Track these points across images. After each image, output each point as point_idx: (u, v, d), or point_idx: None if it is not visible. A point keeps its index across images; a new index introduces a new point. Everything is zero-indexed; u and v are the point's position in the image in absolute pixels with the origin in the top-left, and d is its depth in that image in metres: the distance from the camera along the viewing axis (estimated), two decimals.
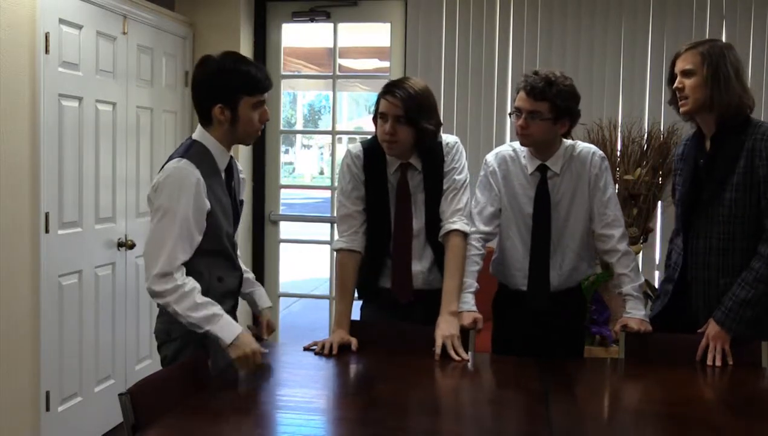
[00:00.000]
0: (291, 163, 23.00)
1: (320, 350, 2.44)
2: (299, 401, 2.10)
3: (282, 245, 4.86)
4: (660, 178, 3.96)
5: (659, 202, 4.06)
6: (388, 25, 4.63)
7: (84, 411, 3.58)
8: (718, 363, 2.36)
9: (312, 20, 4.66)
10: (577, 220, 2.61)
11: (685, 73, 2.44)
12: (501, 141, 4.47)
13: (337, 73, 4.82)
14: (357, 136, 6.07)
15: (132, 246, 3.87)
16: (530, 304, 2.62)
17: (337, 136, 4.95)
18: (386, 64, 4.77)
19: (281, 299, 4.94)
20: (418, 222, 2.60)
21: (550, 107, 2.47)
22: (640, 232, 3.93)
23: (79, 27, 3.45)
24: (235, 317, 2.39)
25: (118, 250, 3.82)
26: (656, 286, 3.61)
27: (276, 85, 3.91)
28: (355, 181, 2.62)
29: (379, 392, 2.15)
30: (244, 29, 4.54)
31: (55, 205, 3.33)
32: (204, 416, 1.97)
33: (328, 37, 4.74)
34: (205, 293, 2.19)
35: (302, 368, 2.38)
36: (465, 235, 2.56)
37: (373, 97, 2.64)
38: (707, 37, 3.99)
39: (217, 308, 2.16)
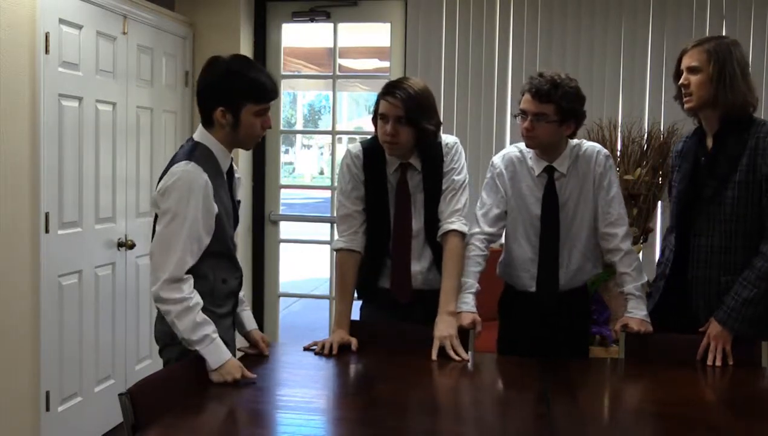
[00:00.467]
0: (291, 163, 23.00)
1: (320, 350, 2.44)
2: (299, 401, 2.09)
3: (282, 245, 4.86)
4: (660, 178, 3.95)
5: (659, 202, 4.06)
6: (388, 25, 4.63)
7: (84, 411, 3.58)
8: (718, 363, 2.36)
9: (312, 20, 4.66)
10: (583, 219, 2.61)
11: (691, 70, 2.44)
12: (501, 141, 4.48)
13: (337, 73, 4.82)
14: (357, 136, 6.06)
15: (132, 246, 3.87)
16: (539, 304, 2.62)
17: (337, 136, 4.95)
18: (386, 64, 4.77)
19: (281, 299, 4.94)
20: (417, 222, 2.60)
21: (556, 109, 2.47)
22: (640, 232, 3.93)
23: (79, 27, 3.45)
24: (234, 318, 2.39)
25: (118, 250, 3.82)
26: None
27: None
28: (354, 181, 2.62)
29: (379, 392, 2.15)
30: (244, 29, 4.54)
31: (55, 205, 3.33)
32: (204, 416, 1.97)
33: (328, 37, 4.73)
34: (210, 295, 2.19)
35: (302, 368, 2.38)
36: (463, 235, 2.56)
37: (373, 97, 2.64)
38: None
39: (212, 330, 2.14)
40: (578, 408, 2.07)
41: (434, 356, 2.38)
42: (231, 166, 2.32)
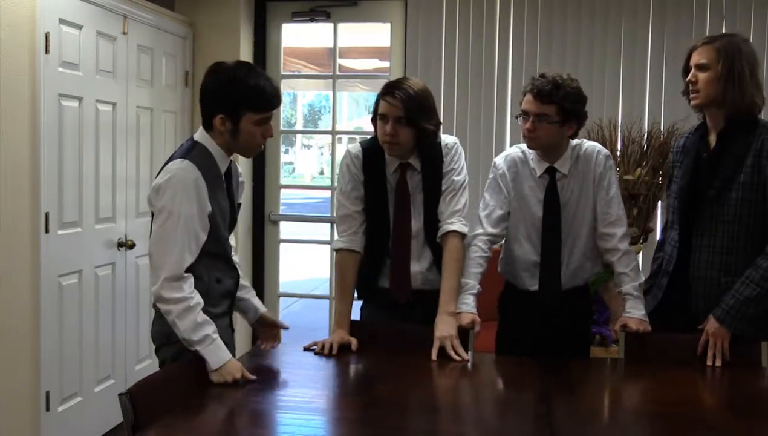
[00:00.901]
0: (291, 163, 22.99)
1: (320, 350, 2.44)
2: (299, 401, 2.10)
3: (282, 245, 4.86)
4: (660, 178, 3.95)
5: (659, 202, 4.05)
6: (388, 25, 4.63)
7: (84, 411, 3.58)
8: (718, 362, 2.36)
9: (312, 20, 4.66)
10: (583, 219, 2.61)
11: (700, 67, 2.44)
12: (501, 141, 4.47)
13: (337, 73, 4.82)
14: (357, 136, 6.06)
15: (132, 246, 3.87)
16: (541, 304, 2.62)
17: (337, 136, 4.95)
18: (386, 64, 4.77)
19: (281, 299, 4.94)
20: (416, 223, 2.60)
21: (558, 110, 2.47)
22: (640, 232, 3.92)
23: (79, 27, 3.45)
24: (231, 318, 2.39)
25: (118, 250, 3.82)
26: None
27: None
28: (354, 182, 2.62)
29: (379, 392, 2.15)
30: (244, 29, 4.54)
31: (55, 205, 3.33)
32: (204, 416, 1.97)
33: (328, 37, 4.73)
34: (204, 294, 2.19)
35: (302, 368, 2.38)
36: (463, 236, 2.56)
37: (372, 97, 2.64)
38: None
39: (213, 330, 2.14)
40: (578, 408, 2.07)
41: (434, 356, 2.38)
42: (229, 169, 2.32)
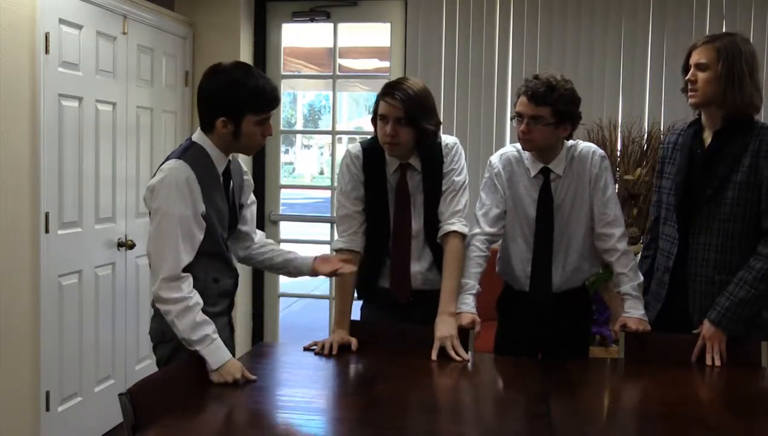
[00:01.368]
0: (291, 163, 22.98)
1: (320, 350, 2.44)
2: (299, 401, 2.10)
3: (282, 245, 4.84)
4: None
5: None
6: (388, 25, 4.63)
7: (84, 411, 3.59)
8: (717, 363, 2.36)
9: (312, 20, 4.66)
10: (579, 220, 2.61)
11: (700, 67, 2.45)
12: (501, 141, 4.47)
13: (337, 73, 4.82)
14: (357, 136, 6.05)
15: (132, 246, 3.87)
16: (533, 303, 2.62)
17: (337, 136, 4.95)
18: (386, 64, 4.77)
19: (281, 299, 4.94)
20: (417, 223, 2.60)
21: (552, 112, 2.47)
22: (640, 232, 3.92)
23: (79, 27, 3.45)
24: (230, 317, 2.40)
25: (118, 250, 3.82)
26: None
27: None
28: (354, 182, 2.62)
29: (379, 392, 2.15)
30: (244, 29, 4.54)
31: (55, 205, 3.33)
32: (204, 416, 1.97)
33: (328, 37, 4.74)
34: (201, 294, 2.19)
35: (302, 368, 2.38)
36: (463, 236, 2.56)
37: (372, 97, 2.64)
38: None
39: (212, 330, 2.15)
40: (578, 408, 2.07)
41: (434, 357, 2.38)
42: (228, 169, 2.32)
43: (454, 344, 2.38)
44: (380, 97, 2.50)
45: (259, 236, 2.56)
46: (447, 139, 2.64)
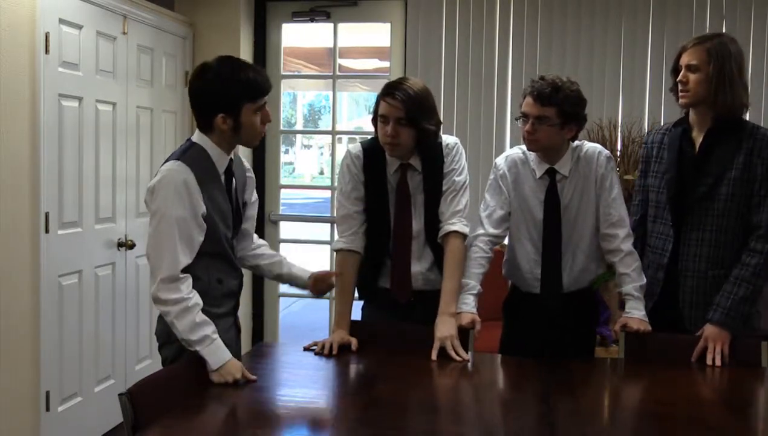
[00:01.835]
0: (291, 163, 22.98)
1: (320, 350, 2.44)
2: (299, 401, 2.10)
3: (282, 245, 4.86)
4: None
5: None
6: (388, 25, 4.63)
7: (84, 411, 3.59)
8: (717, 363, 2.37)
9: (312, 20, 4.66)
10: (585, 221, 2.61)
11: (690, 68, 2.48)
12: (501, 141, 4.48)
13: (337, 73, 4.82)
14: (357, 136, 6.06)
15: (132, 246, 3.87)
16: (543, 305, 2.62)
17: (337, 136, 4.95)
18: (386, 64, 4.77)
19: (281, 299, 4.94)
20: (417, 223, 2.60)
21: (558, 112, 2.47)
22: None
23: (79, 27, 3.45)
24: (236, 318, 2.40)
25: (118, 250, 3.82)
26: None
27: (276, 85, 3.92)
28: (354, 182, 2.62)
29: (379, 392, 2.15)
30: (244, 29, 4.54)
31: (55, 205, 3.33)
32: (204, 416, 1.97)
33: (328, 37, 4.74)
34: (204, 295, 2.19)
35: (302, 368, 2.38)
36: (464, 236, 2.56)
37: (372, 97, 2.64)
38: None
39: (212, 330, 2.15)
40: (578, 408, 2.07)
41: (434, 357, 2.38)
42: (231, 168, 2.32)
43: (454, 345, 2.38)
44: (380, 97, 2.50)
45: (255, 238, 2.56)
46: (448, 139, 2.64)
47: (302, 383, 2.29)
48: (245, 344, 4.14)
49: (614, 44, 4.36)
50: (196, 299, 2.15)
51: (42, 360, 3.28)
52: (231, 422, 1.97)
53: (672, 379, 2.27)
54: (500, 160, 2.70)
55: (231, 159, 2.31)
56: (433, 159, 2.59)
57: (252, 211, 2.49)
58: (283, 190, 4.90)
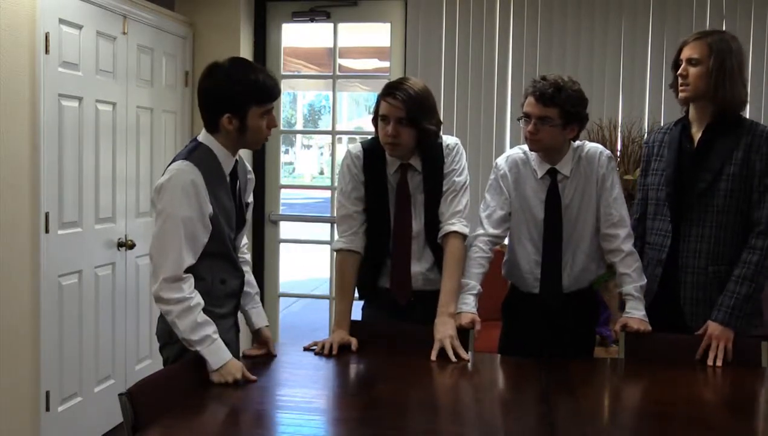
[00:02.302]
0: (291, 163, 23.00)
1: (320, 350, 2.44)
2: (299, 401, 2.10)
3: (282, 245, 4.86)
4: None
5: None
6: (388, 25, 4.63)
7: (84, 411, 3.59)
8: (719, 363, 2.37)
9: (312, 20, 4.66)
10: (586, 221, 2.61)
11: (691, 62, 2.49)
12: (501, 141, 4.47)
13: (337, 73, 4.82)
14: (357, 136, 6.06)
15: (132, 246, 3.87)
16: (542, 305, 2.62)
17: (337, 136, 4.95)
18: (386, 64, 4.77)
19: (281, 299, 4.94)
20: (417, 223, 2.60)
21: (560, 113, 2.47)
22: None
23: (79, 27, 3.45)
24: (236, 319, 2.39)
25: (118, 250, 3.82)
26: None
27: None
28: (354, 182, 2.62)
29: (379, 392, 2.15)
30: (244, 29, 4.54)
31: (55, 205, 3.33)
32: (204, 416, 1.97)
33: (328, 37, 4.74)
34: (206, 294, 2.19)
35: (302, 368, 2.38)
36: (464, 237, 2.55)
37: (372, 97, 2.65)
38: None
39: (213, 330, 2.14)
40: (578, 408, 2.07)
41: (434, 357, 2.37)
42: (235, 169, 2.32)
43: (453, 345, 2.38)
44: (381, 97, 2.50)
45: (244, 240, 2.54)
46: (448, 139, 2.64)
47: (302, 383, 2.29)
48: (245, 344, 4.14)
49: (614, 44, 4.36)
50: (197, 298, 2.15)
51: (42, 360, 3.28)
52: (231, 422, 1.97)
53: (672, 379, 2.27)
54: (501, 161, 2.70)
55: (236, 160, 2.31)
56: (434, 159, 2.59)
57: (248, 214, 2.49)
58: (283, 190, 4.91)
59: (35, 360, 3.25)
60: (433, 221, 2.59)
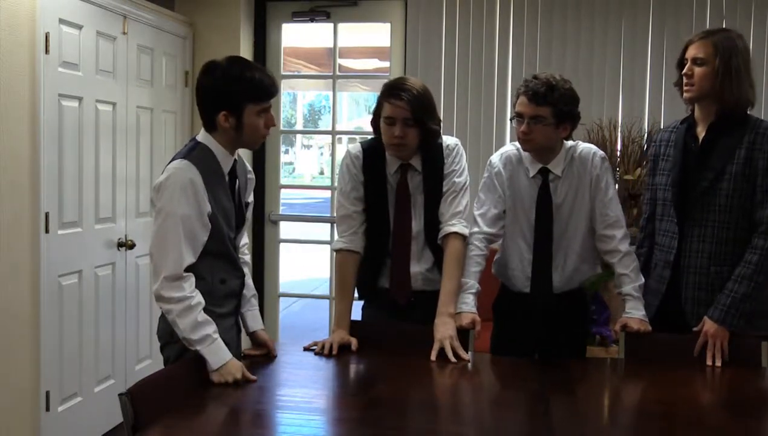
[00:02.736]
0: (291, 163, 23.00)
1: (320, 350, 2.44)
2: (299, 401, 2.10)
3: (282, 245, 4.86)
4: None
5: None
6: (388, 25, 4.63)
7: (84, 411, 3.58)
8: (718, 363, 2.37)
9: (312, 20, 4.66)
10: (579, 221, 2.61)
11: (696, 61, 2.46)
12: (501, 141, 4.47)
13: (337, 73, 4.82)
14: (357, 136, 6.06)
15: (132, 246, 3.87)
16: (533, 304, 2.62)
17: (337, 136, 4.95)
18: (386, 64, 4.77)
19: (281, 299, 4.94)
20: (417, 224, 2.60)
21: (553, 112, 2.46)
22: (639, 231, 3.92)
23: (79, 27, 3.45)
24: (237, 318, 2.39)
25: (118, 250, 3.82)
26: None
27: None
28: (354, 182, 2.62)
29: (379, 392, 2.15)
30: (244, 29, 4.54)
31: (55, 205, 3.33)
32: (204, 416, 1.97)
33: (328, 37, 4.74)
34: (207, 294, 2.19)
35: (302, 368, 2.38)
36: (464, 238, 2.55)
37: (373, 97, 2.64)
38: None
39: (213, 330, 2.15)
40: (578, 408, 2.07)
41: (434, 357, 2.37)
42: (234, 168, 2.32)
43: (453, 345, 2.38)
44: (385, 98, 2.49)
45: (244, 239, 2.54)
46: (448, 140, 2.64)
47: (302, 383, 2.29)
48: (245, 344, 4.14)
49: (614, 44, 4.36)
50: (198, 298, 2.15)
51: (42, 360, 3.28)
52: (231, 422, 1.97)
53: (672, 379, 2.27)
54: (495, 158, 2.69)
55: (235, 160, 2.31)
56: (434, 159, 2.59)
57: (248, 214, 2.49)
58: (283, 190, 4.91)
59: (35, 360, 3.25)
60: (432, 222, 2.59)
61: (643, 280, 2.56)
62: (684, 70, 2.50)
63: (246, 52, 4.54)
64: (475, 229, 2.61)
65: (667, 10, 4.30)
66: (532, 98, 2.46)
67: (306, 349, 2.48)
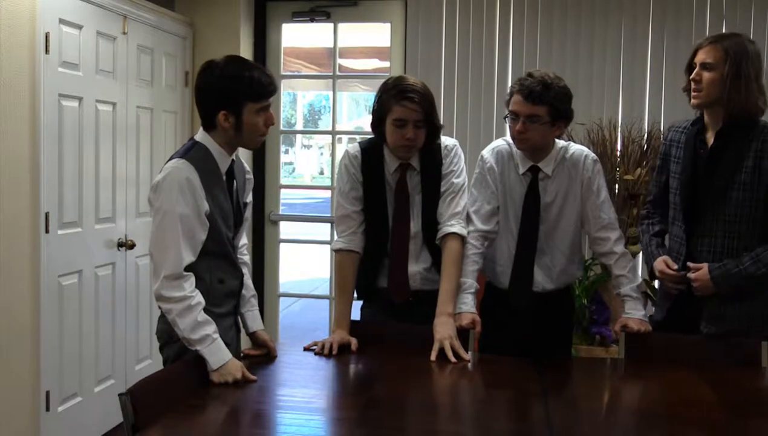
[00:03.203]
0: (291, 163, 23.00)
1: (320, 350, 2.44)
2: (299, 401, 2.10)
3: (282, 245, 4.86)
4: None
5: None
6: (388, 25, 4.63)
7: (84, 411, 3.59)
8: (695, 285, 2.39)
9: (312, 20, 4.66)
10: (567, 222, 2.60)
11: (705, 66, 2.42)
12: None
13: (337, 73, 4.82)
14: (357, 136, 6.06)
15: (132, 246, 3.87)
16: (512, 303, 2.61)
17: (337, 136, 4.95)
18: (386, 64, 4.77)
19: (281, 299, 4.94)
20: (415, 224, 2.60)
21: (549, 111, 2.45)
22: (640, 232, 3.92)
23: (79, 27, 3.45)
24: (236, 318, 2.40)
25: (118, 250, 3.82)
26: (656, 285, 3.60)
27: None
28: (353, 182, 2.62)
29: (379, 392, 2.15)
30: (244, 29, 4.54)
31: (55, 205, 3.33)
32: (204, 416, 1.97)
33: (328, 37, 4.74)
34: (206, 294, 2.19)
35: (302, 368, 2.38)
36: (462, 238, 2.55)
37: (372, 97, 2.63)
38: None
39: (213, 330, 2.15)
40: (577, 408, 2.07)
41: (433, 358, 2.37)
42: (232, 168, 2.32)
43: (453, 345, 2.38)
44: (396, 101, 2.45)
45: (244, 239, 2.54)
46: (446, 140, 2.64)
47: (302, 383, 2.29)
48: (245, 344, 4.14)
49: (614, 44, 4.36)
50: (198, 298, 2.15)
51: (42, 360, 3.28)
52: (231, 422, 1.97)
53: (672, 379, 2.27)
54: (487, 153, 2.66)
55: (233, 160, 2.31)
56: (432, 159, 2.59)
57: (248, 213, 2.49)
58: (283, 190, 4.90)
59: (35, 360, 3.25)
60: (431, 222, 2.59)
61: (640, 279, 2.56)
62: (692, 75, 2.45)
63: (246, 52, 4.54)
64: (471, 227, 2.59)
65: (667, 10, 4.29)
66: (527, 97, 2.44)
67: (306, 349, 2.48)
